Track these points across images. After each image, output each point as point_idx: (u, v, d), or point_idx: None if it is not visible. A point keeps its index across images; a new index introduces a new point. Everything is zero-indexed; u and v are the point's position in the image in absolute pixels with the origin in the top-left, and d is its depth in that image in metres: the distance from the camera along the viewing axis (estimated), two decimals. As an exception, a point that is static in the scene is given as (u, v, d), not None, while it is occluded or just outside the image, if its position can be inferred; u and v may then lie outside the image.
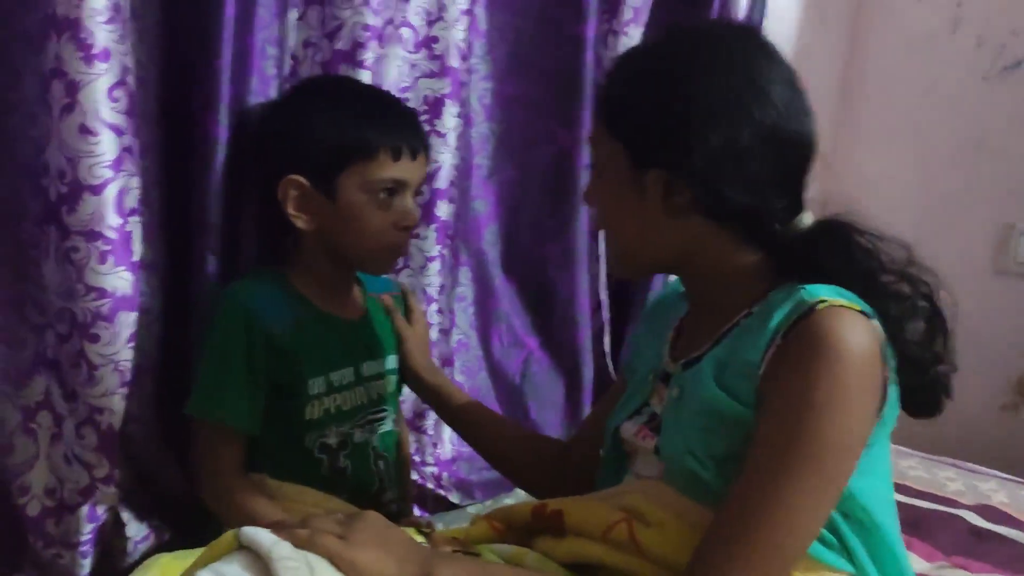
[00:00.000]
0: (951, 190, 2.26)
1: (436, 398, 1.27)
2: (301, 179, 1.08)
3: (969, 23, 2.22)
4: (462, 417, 1.25)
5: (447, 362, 1.59)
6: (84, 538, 1.10)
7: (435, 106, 1.41)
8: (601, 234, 1.71)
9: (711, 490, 0.85)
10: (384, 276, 1.29)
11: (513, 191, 1.66)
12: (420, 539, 0.93)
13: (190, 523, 1.18)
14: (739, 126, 0.86)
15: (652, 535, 0.88)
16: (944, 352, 0.89)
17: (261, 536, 0.74)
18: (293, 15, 1.21)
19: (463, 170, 1.54)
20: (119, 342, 1.04)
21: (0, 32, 0.98)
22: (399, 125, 1.12)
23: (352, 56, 1.24)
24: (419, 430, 1.55)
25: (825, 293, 0.82)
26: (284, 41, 1.20)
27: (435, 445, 1.57)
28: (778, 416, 0.81)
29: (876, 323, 0.83)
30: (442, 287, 1.51)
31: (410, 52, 1.36)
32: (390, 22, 1.31)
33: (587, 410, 1.72)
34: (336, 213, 1.09)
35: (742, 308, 0.91)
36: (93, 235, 1.00)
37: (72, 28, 0.94)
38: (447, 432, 1.57)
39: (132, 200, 1.03)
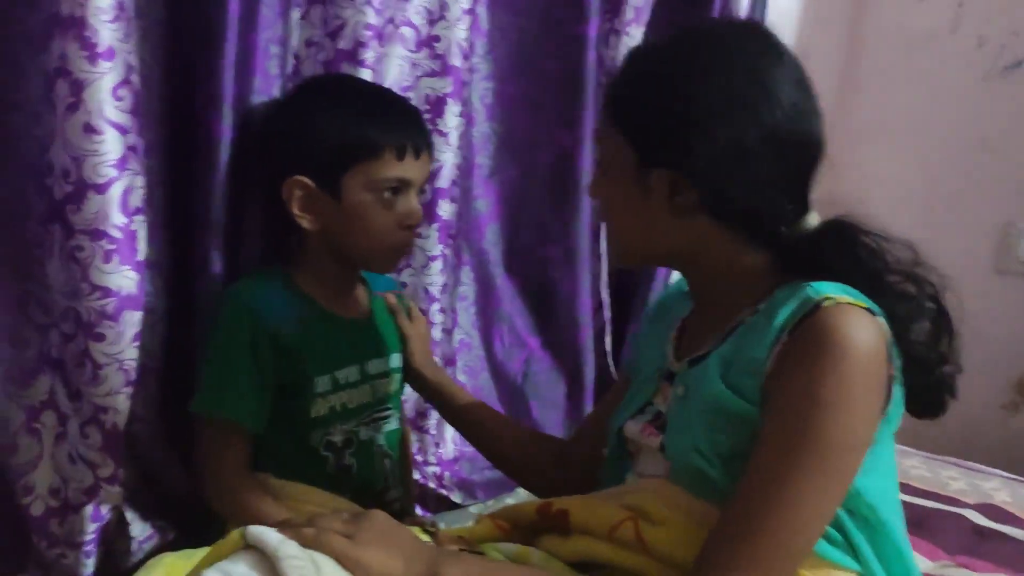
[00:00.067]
0: (952, 190, 2.26)
1: (438, 397, 1.27)
2: (306, 180, 1.08)
3: (969, 23, 2.22)
4: (464, 416, 1.26)
5: (450, 362, 1.59)
6: (88, 538, 1.10)
7: (437, 105, 1.41)
8: (602, 233, 1.71)
9: (717, 488, 0.85)
10: (386, 275, 1.29)
11: (515, 190, 1.66)
12: (425, 538, 0.93)
13: (194, 523, 1.18)
14: (745, 127, 0.86)
15: (658, 533, 0.89)
16: (949, 352, 0.89)
17: (267, 535, 0.74)
18: (296, 14, 1.21)
19: (465, 169, 1.54)
20: (124, 341, 1.04)
21: (4, 31, 0.98)
22: (403, 124, 1.11)
23: (354, 55, 1.24)
24: (421, 429, 1.55)
25: (831, 290, 0.82)
26: (287, 40, 1.20)
27: (437, 444, 1.57)
28: (784, 414, 0.81)
29: (882, 320, 0.83)
30: (444, 286, 1.51)
31: (412, 51, 1.36)
32: (391, 21, 1.31)
33: (589, 410, 1.71)
34: (341, 213, 1.09)
35: (747, 306, 0.90)
36: (98, 234, 1.00)
37: (76, 27, 0.94)
38: (449, 431, 1.57)
39: (137, 199, 1.02)
